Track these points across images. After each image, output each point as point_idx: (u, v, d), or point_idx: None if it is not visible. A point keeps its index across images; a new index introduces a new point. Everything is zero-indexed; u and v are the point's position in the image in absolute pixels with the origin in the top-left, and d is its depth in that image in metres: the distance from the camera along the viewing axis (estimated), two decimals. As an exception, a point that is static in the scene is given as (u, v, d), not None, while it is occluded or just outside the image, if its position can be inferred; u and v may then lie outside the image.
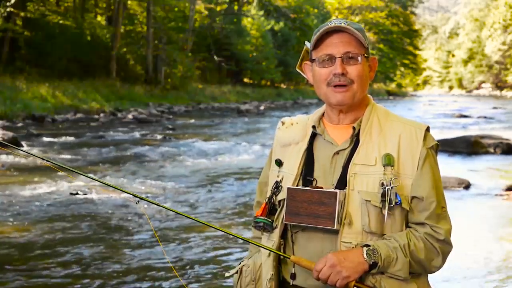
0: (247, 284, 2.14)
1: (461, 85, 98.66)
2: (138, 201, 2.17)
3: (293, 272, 2.01)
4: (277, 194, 2.07)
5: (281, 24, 55.37)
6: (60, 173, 9.71)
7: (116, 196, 8.51)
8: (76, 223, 7.22)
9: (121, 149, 14.44)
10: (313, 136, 2.09)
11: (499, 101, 54.99)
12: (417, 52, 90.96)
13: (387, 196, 1.89)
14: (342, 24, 1.97)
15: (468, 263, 5.89)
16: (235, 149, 15.25)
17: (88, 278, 5.34)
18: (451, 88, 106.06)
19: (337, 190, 1.92)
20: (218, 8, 47.77)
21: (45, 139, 15.94)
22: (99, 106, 26.88)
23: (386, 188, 1.90)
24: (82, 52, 32.63)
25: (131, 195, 2.19)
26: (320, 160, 2.04)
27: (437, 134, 16.09)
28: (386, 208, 1.90)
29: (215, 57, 44.17)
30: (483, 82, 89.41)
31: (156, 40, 38.50)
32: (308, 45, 2.11)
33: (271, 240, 2.06)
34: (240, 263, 2.21)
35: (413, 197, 1.95)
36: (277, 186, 2.08)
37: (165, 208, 2.24)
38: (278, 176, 2.10)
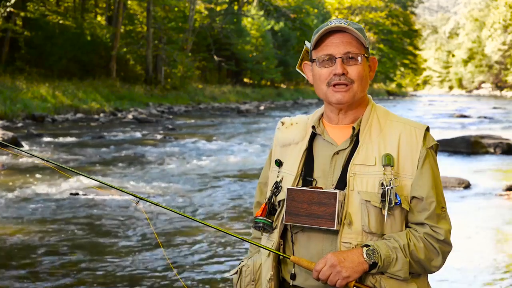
0: (246, 284, 2.14)
1: (461, 85, 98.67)
2: (138, 201, 2.17)
3: (293, 272, 2.01)
4: (277, 195, 2.07)
5: (281, 24, 55.37)
6: (60, 174, 9.72)
7: (116, 196, 8.51)
8: (76, 223, 7.22)
9: (121, 149, 14.44)
10: (313, 136, 2.09)
11: (499, 101, 55.00)
12: (417, 52, 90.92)
13: (387, 196, 1.90)
14: (343, 24, 1.98)
15: (468, 263, 5.89)
16: (235, 149, 15.25)
17: (88, 278, 5.34)
18: (451, 88, 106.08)
19: (337, 191, 1.92)
20: (218, 8, 47.76)
21: (45, 139, 15.94)
22: (99, 106, 26.89)
23: (386, 188, 1.90)
24: (82, 52, 32.64)
25: (131, 195, 2.19)
26: (320, 160, 2.04)
27: (437, 134, 16.11)
28: (386, 208, 1.90)
29: (215, 57, 44.16)
30: (483, 82, 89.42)
31: (156, 40, 38.50)
32: (308, 45, 2.12)
33: (271, 240, 2.06)
34: (240, 263, 2.21)
35: (413, 197, 1.95)
36: (277, 187, 2.08)
37: (165, 208, 2.24)
38: (278, 177, 2.10)
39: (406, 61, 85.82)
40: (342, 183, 1.96)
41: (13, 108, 21.64)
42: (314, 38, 2.02)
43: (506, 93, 77.22)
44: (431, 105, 47.79)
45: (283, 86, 59.90)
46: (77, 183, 9.42)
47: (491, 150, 14.44)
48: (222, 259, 5.98)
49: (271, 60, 51.75)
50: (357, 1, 76.20)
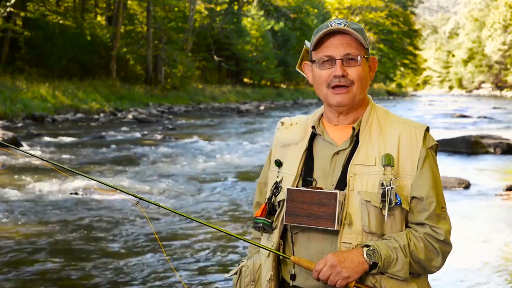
0: (246, 285, 2.14)
1: (461, 85, 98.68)
2: (138, 201, 2.16)
3: (292, 272, 2.01)
4: (277, 195, 2.07)
5: (281, 24, 55.37)
6: (60, 174, 9.72)
7: (116, 196, 8.51)
8: (75, 223, 7.22)
9: (121, 149, 14.44)
10: (313, 136, 2.09)
11: (499, 101, 55.00)
12: (417, 52, 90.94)
13: (387, 196, 1.89)
14: (342, 26, 1.97)
15: (468, 263, 5.88)
16: (235, 149, 15.24)
17: (87, 278, 5.34)
18: (451, 88, 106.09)
19: (337, 191, 1.92)
20: (218, 8, 47.76)
21: (45, 139, 15.94)
22: (99, 106, 26.89)
23: (386, 188, 1.90)
24: (82, 52, 32.64)
25: (131, 195, 2.19)
26: (320, 160, 2.04)
27: (437, 134, 16.09)
28: (386, 208, 1.90)
29: (215, 57, 44.16)
30: (483, 82, 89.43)
31: (156, 40, 38.50)
32: (308, 44, 2.11)
33: (271, 240, 2.06)
34: (239, 263, 2.21)
35: (412, 197, 1.95)
36: (277, 187, 2.08)
37: (165, 208, 2.23)
38: (277, 177, 2.10)
39: (406, 61, 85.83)
40: (342, 183, 1.96)
41: (13, 108, 21.64)
42: (314, 39, 2.02)
43: (506, 93, 77.22)
44: (431, 105, 47.80)
45: (283, 86, 59.91)
46: (77, 183, 9.41)
47: (491, 150, 14.44)
48: (222, 259, 5.98)
49: (271, 60, 51.76)
50: (357, 1, 76.20)
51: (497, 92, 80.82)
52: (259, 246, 2.08)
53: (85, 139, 16.52)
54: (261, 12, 53.29)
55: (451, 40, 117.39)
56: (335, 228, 1.90)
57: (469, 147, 14.52)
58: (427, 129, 2.02)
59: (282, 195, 2.04)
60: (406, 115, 23.11)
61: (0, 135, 13.49)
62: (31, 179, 9.91)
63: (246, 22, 50.60)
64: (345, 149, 2.01)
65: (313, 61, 2.05)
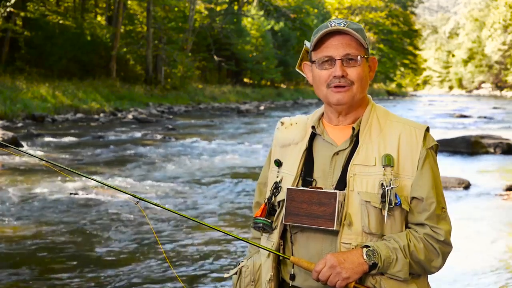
0: (246, 285, 2.13)
1: (461, 85, 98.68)
2: (138, 201, 2.16)
3: (292, 273, 2.00)
4: (277, 195, 2.06)
5: (281, 24, 55.37)
6: (59, 174, 9.71)
7: (115, 196, 8.51)
8: (75, 223, 7.22)
9: (121, 149, 14.44)
10: (313, 136, 2.09)
11: (499, 101, 55.00)
12: (417, 52, 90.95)
13: (387, 197, 1.89)
14: (342, 26, 1.97)
15: (468, 263, 5.88)
16: (235, 149, 15.24)
17: (87, 278, 5.34)
18: (451, 88, 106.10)
19: (337, 191, 1.92)
20: (218, 8, 47.76)
21: (45, 139, 15.94)
22: (99, 106, 26.88)
23: (386, 188, 1.90)
24: (82, 52, 32.64)
25: (131, 196, 2.19)
26: (320, 160, 2.03)
27: (437, 134, 16.10)
28: (386, 209, 1.89)
29: (215, 57, 44.16)
30: (483, 82, 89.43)
31: (156, 40, 38.50)
32: (307, 44, 2.11)
33: (271, 240, 2.06)
34: (239, 263, 2.20)
35: (413, 198, 1.94)
36: (277, 187, 2.07)
37: (165, 208, 2.23)
38: (277, 177, 2.09)
39: (406, 61, 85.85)
40: (342, 184, 1.96)
41: (13, 108, 21.63)
42: (314, 39, 2.01)
43: (506, 93, 77.23)
44: (431, 105, 47.80)
45: (283, 86, 59.91)
46: (77, 183, 9.41)
47: (491, 150, 14.43)
48: (222, 260, 5.98)
49: (271, 60, 51.77)
50: (357, 1, 76.20)
51: (497, 92, 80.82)
52: (259, 247, 2.08)
53: (85, 139, 16.52)
54: (261, 12, 53.29)
55: (451, 40, 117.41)
56: (335, 228, 1.90)
57: (469, 147, 14.52)
58: (427, 129, 2.02)
59: (282, 195, 2.03)
60: (406, 115, 23.12)
61: (0, 135, 13.49)
62: (31, 179, 9.90)
63: (246, 22, 50.60)
64: (345, 149, 2.01)
65: (313, 61, 2.04)
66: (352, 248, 1.89)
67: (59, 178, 9.80)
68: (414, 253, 1.90)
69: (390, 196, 1.89)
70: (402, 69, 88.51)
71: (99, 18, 40.16)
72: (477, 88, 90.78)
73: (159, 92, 35.76)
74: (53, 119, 22.35)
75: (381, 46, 76.01)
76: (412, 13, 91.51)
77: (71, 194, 8.77)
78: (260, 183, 2.24)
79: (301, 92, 56.45)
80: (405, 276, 1.90)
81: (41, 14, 32.69)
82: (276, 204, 2.06)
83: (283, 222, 2.00)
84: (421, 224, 1.94)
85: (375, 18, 76.54)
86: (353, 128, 2.02)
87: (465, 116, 30.00)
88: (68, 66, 31.50)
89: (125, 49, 37.18)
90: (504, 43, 78.55)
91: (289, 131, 2.13)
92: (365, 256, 1.86)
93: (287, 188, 1.99)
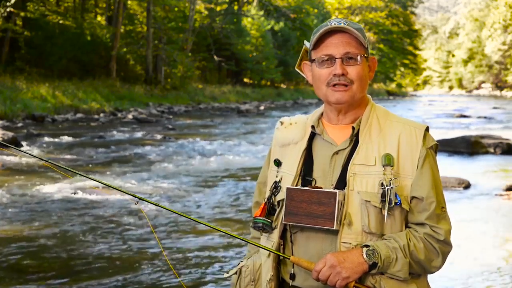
0: (246, 285, 2.13)
1: (461, 85, 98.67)
2: (138, 201, 2.16)
3: (292, 272, 2.00)
4: (276, 194, 2.06)
5: (281, 24, 55.37)
6: (59, 174, 9.71)
7: (115, 196, 8.51)
8: (75, 223, 7.22)
9: (121, 149, 14.44)
10: (312, 136, 2.09)
11: (499, 101, 55.00)
12: (417, 52, 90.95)
13: (387, 196, 1.89)
14: (342, 24, 1.97)
15: (468, 263, 5.88)
16: (235, 149, 15.24)
17: (87, 278, 5.33)
18: (451, 88, 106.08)
19: (336, 190, 1.91)
20: (218, 8, 47.76)
21: (45, 139, 15.93)
22: (99, 106, 26.88)
23: (386, 188, 1.90)
24: (82, 52, 32.63)
25: (131, 196, 2.18)
26: (320, 160, 2.03)
27: (437, 134, 16.10)
28: (386, 208, 1.89)
29: (215, 57, 44.15)
30: (483, 82, 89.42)
31: (156, 40, 38.49)
32: (307, 44, 2.11)
33: (271, 240, 2.05)
34: (239, 263, 2.20)
35: (412, 197, 1.94)
36: (276, 186, 2.07)
37: (165, 208, 2.23)
38: (277, 176, 2.09)
39: (406, 61, 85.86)
40: (341, 183, 1.96)
41: (13, 108, 21.64)
42: (314, 38, 2.01)
43: (506, 93, 77.22)
44: (431, 105, 47.79)
45: (283, 86, 59.90)
46: (77, 183, 9.41)
47: (491, 150, 14.43)
48: (222, 259, 5.98)
49: (271, 60, 51.76)
50: (357, 1, 76.21)
51: (497, 92, 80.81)
52: (259, 246, 2.08)
53: (85, 139, 16.52)
54: (261, 12, 53.29)
55: (451, 40, 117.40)
56: (334, 228, 1.90)
57: (469, 147, 14.52)
58: (427, 129, 2.02)
59: (282, 195, 2.03)
60: (406, 115, 23.11)
61: (0, 135, 13.49)
62: (31, 179, 9.90)
63: (246, 22, 50.60)
64: (345, 148, 2.01)
65: (312, 60, 2.04)
66: (352, 248, 1.89)
67: (59, 178, 9.80)
68: (414, 252, 1.90)
69: (390, 196, 1.89)
70: (402, 69, 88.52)
71: (99, 18, 40.17)
72: (477, 88, 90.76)
73: (159, 92, 35.76)
74: (53, 119, 22.35)
75: (381, 46, 76.01)
76: (412, 13, 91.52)
77: (71, 194, 8.77)
78: (260, 182, 2.24)
79: (301, 92, 56.44)
80: (405, 276, 1.90)
81: (41, 14, 32.69)
82: (276, 203, 2.06)
83: (283, 222, 2.00)
84: (421, 224, 1.94)
85: (375, 18, 76.54)
86: (353, 128, 2.02)
87: (465, 116, 30.00)
88: (68, 66, 31.50)
89: (125, 49, 37.18)
90: (504, 43, 78.54)
91: (289, 130, 2.13)
92: (365, 256, 1.86)
93: (287, 188, 1.99)
